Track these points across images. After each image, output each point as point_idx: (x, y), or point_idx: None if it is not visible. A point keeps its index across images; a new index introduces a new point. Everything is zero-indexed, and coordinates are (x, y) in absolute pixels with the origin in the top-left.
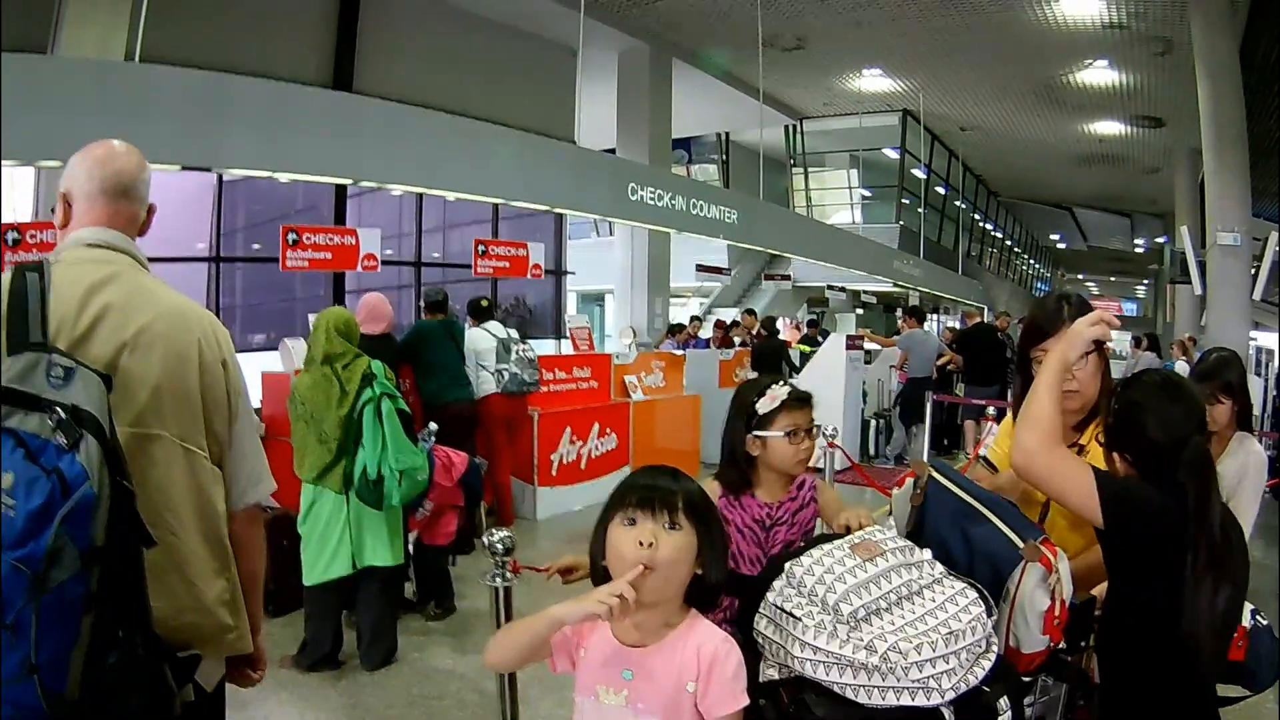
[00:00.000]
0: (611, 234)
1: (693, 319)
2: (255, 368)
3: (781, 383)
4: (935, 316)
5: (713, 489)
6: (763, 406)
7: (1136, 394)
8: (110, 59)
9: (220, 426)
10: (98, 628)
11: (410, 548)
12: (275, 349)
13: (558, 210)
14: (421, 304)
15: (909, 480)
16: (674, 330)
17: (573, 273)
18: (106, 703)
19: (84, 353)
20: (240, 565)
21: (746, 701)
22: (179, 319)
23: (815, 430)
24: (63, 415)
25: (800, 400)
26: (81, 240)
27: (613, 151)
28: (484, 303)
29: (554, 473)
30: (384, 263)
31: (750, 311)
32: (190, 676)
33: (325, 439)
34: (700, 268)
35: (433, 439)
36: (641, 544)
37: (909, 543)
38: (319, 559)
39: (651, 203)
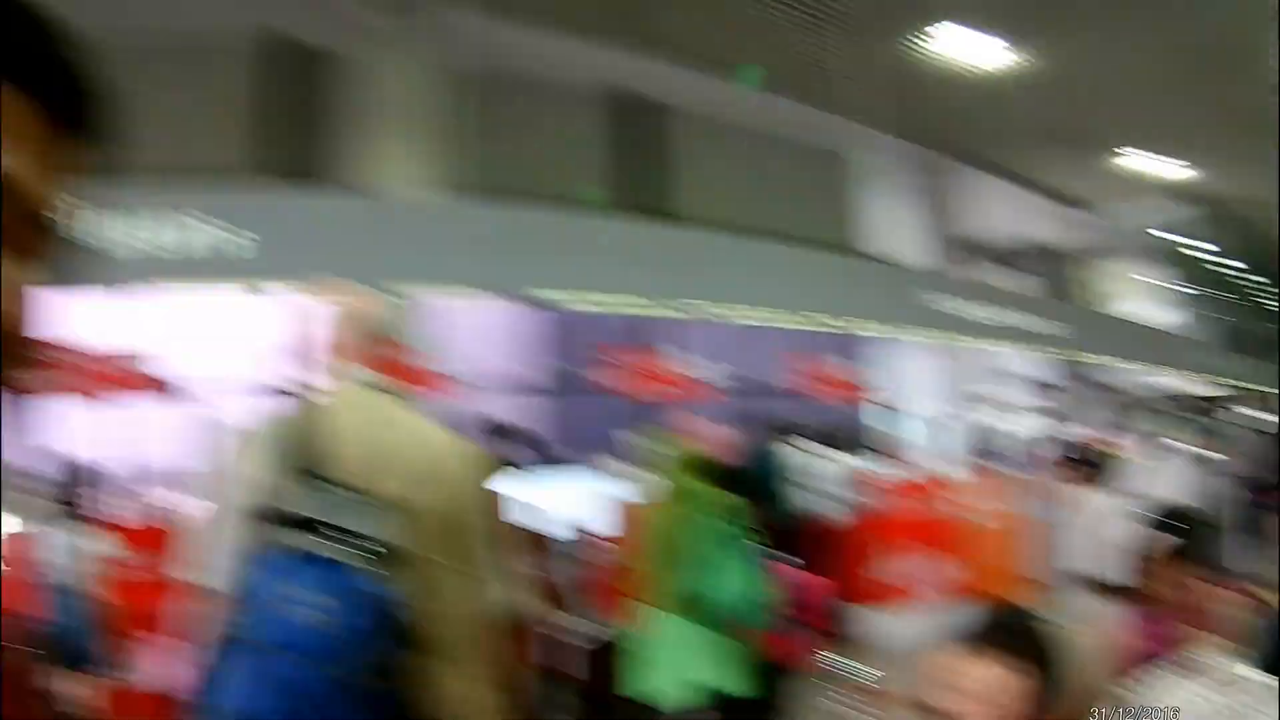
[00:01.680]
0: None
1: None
2: (591, 493)
3: None
4: None
5: None
6: None
7: None
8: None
9: (484, 549)
10: None
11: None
12: (607, 474)
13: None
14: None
15: None
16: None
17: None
18: None
19: (378, 488)
20: (494, 676)
21: None
22: (450, 450)
23: None
24: (370, 546)
25: None
26: (354, 378)
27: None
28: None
29: (878, 594)
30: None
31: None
32: None
33: (669, 564)
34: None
35: (775, 562)
36: (961, 683)
37: None
38: (649, 678)
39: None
